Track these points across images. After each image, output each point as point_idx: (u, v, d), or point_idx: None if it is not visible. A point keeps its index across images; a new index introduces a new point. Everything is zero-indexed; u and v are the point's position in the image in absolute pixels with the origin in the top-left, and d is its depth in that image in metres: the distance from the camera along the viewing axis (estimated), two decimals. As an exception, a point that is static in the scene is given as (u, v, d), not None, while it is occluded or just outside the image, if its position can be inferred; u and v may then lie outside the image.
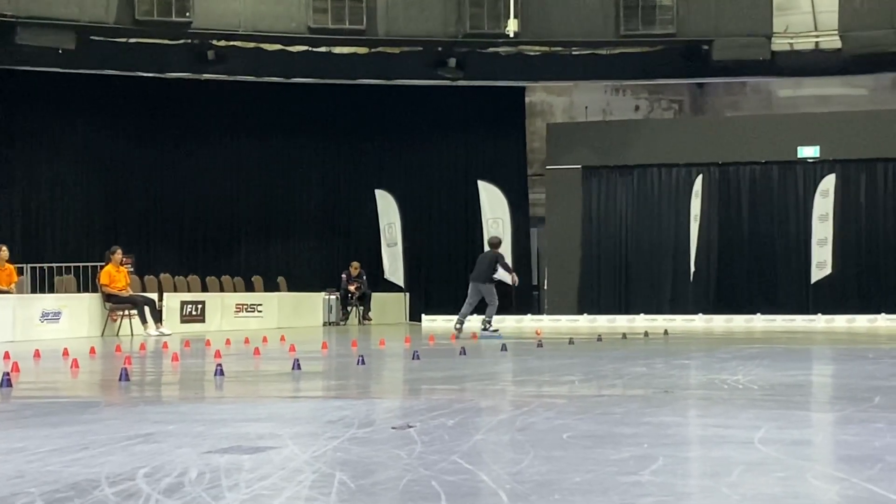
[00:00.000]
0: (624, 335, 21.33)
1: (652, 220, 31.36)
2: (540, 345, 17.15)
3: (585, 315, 29.67)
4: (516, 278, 21.47)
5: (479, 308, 21.38)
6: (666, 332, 23.14)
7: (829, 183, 29.40)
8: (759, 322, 27.85)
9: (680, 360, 13.61)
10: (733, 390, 9.05)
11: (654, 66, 29.12)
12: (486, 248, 21.30)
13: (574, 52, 28.82)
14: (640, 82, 32.55)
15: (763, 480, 4.76)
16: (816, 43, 28.15)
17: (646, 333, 21.97)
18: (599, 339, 19.34)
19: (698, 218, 29.81)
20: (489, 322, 20.83)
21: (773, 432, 6.28)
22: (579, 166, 31.57)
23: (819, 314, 28.13)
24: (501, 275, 21.05)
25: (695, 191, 29.98)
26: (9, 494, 4.50)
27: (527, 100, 33.63)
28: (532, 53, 28.94)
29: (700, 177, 30.10)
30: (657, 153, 31.11)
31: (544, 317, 30.14)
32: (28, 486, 4.67)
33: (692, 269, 29.67)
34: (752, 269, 30.78)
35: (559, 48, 28.63)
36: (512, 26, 26.47)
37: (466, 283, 32.17)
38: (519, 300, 31.10)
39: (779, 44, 27.82)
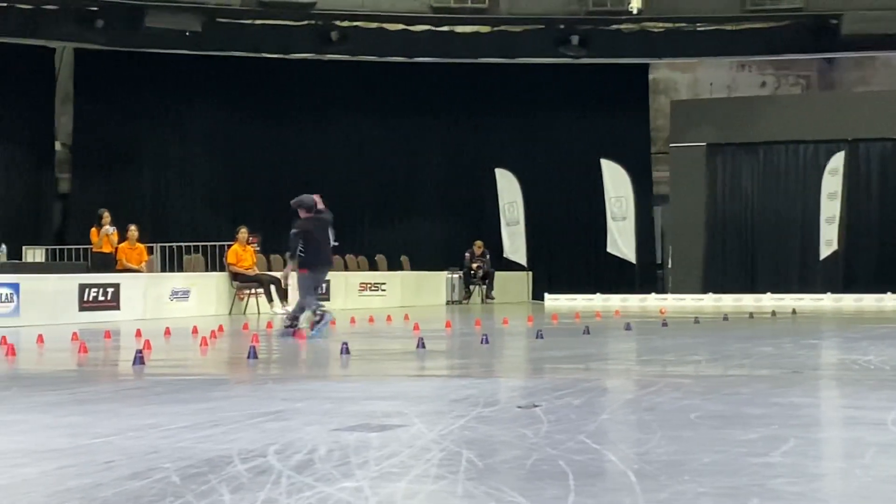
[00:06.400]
0: (751, 315, 21.04)
1: (779, 198, 30.81)
2: (665, 324, 17.02)
3: (710, 294, 29.31)
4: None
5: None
6: (794, 311, 22.80)
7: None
8: (890, 301, 27.27)
9: (809, 341, 13.42)
10: (864, 371, 8.90)
11: (781, 41, 28.67)
12: (301, 214, 15.05)
13: (699, 28, 28.53)
14: (766, 58, 32.00)
15: (898, 463, 4.68)
16: (950, 15, 27.44)
17: (773, 313, 21.66)
18: (725, 319, 19.10)
19: (838, 195, 29.03)
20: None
21: (907, 414, 6.16)
22: (704, 144, 31.16)
23: (952, 292, 27.41)
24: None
25: (831, 167, 29.23)
26: (145, 469, 4.60)
27: (650, 77, 33.28)
28: (656, 30, 28.69)
29: (841, 153, 29.31)
30: (784, 130, 30.55)
31: (668, 296, 29.84)
32: (163, 462, 4.77)
33: (833, 247, 28.99)
34: (883, 248, 30.11)
35: (683, 24, 28.34)
36: (636, 3, 26.28)
37: (589, 263, 32.48)
38: (643, 279, 30.87)
39: (910, 16, 27.19)
